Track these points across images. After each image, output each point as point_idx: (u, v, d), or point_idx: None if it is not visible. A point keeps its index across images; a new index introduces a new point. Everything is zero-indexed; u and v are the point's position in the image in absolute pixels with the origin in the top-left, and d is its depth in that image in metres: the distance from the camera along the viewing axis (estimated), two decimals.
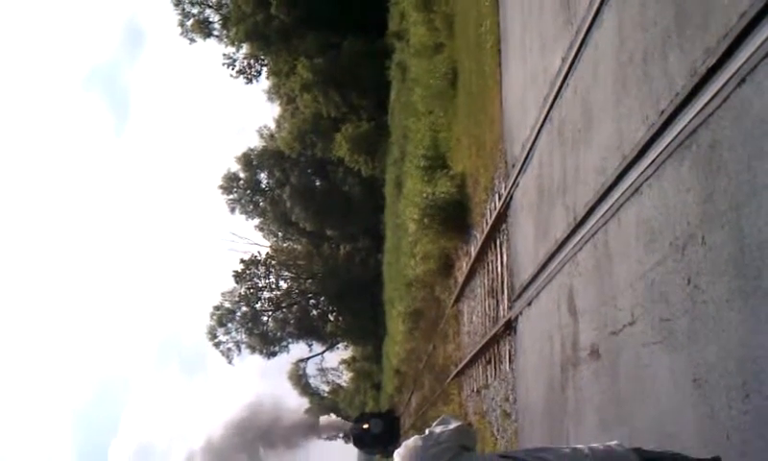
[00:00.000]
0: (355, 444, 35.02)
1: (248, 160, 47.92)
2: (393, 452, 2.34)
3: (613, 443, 2.39)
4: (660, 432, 3.87)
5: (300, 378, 51.23)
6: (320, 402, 50.92)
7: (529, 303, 7.36)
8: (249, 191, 48.75)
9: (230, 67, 43.37)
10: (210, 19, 42.18)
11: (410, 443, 2.30)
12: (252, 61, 43.44)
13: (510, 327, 8.39)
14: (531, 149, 7.16)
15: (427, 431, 2.34)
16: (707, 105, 3.43)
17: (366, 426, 31.40)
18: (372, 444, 33.22)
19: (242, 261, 46.56)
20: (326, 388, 52.51)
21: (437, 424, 2.38)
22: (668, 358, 3.80)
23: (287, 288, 48.22)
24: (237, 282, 46.66)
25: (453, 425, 2.35)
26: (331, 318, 48.74)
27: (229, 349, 47.17)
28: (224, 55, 43.01)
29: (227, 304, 47.08)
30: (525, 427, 7.53)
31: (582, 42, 5.41)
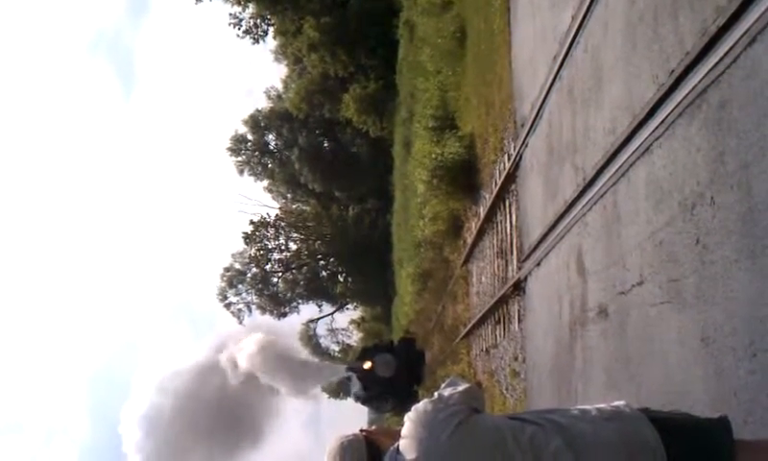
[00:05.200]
0: (356, 398, 22.84)
1: (255, 122, 47.78)
2: (409, 408, 2.36)
3: (621, 403, 2.41)
4: (668, 391, 3.91)
5: (310, 339, 51.63)
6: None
7: (538, 264, 7.39)
8: (257, 153, 48.65)
9: (236, 27, 42.93)
10: None
11: (420, 407, 2.32)
12: (258, 21, 42.92)
13: (519, 287, 8.43)
14: (541, 108, 7.13)
15: (436, 394, 2.36)
16: (717, 64, 3.40)
17: (368, 367, 20.76)
18: (378, 395, 21.33)
19: (251, 223, 46.66)
20: (336, 348, 52.93)
21: (445, 387, 2.41)
22: (676, 318, 3.83)
23: (297, 249, 48.34)
24: (247, 244, 46.80)
25: (462, 387, 2.37)
26: (341, 279, 48.92)
27: (240, 310, 47.55)
28: (230, 14, 42.55)
29: (237, 266, 47.35)
30: (534, 386, 7.60)
31: (591, 0, 5.35)
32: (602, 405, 2.39)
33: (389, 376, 19.99)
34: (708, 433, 2.29)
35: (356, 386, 21.38)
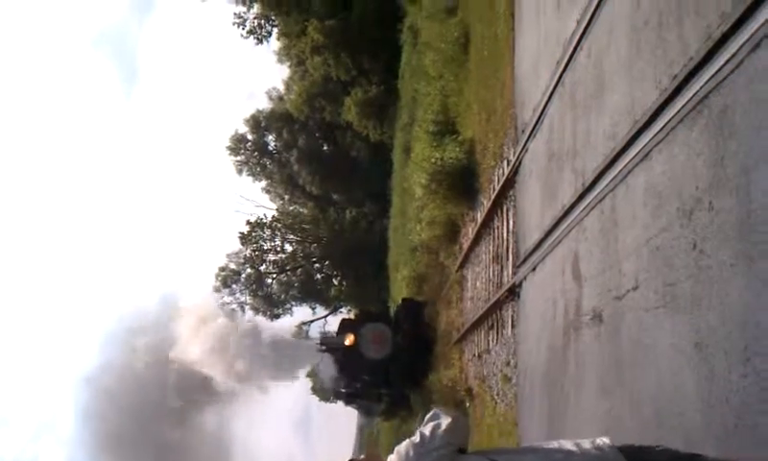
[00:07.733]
0: (327, 393, 15.31)
1: (256, 122, 47.81)
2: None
3: (604, 441, 2.41)
4: (661, 396, 3.91)
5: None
6: None
7: (533, 269, 7.38)
8: (256, 153, 48.65)
9: (241, 27, 43.02)
10: None
11: (402, 450, 2.28)
12: (262, 22, 43.04)
13: (513, 292, 8.43)
14: (542, 114, 7.13)
15: (418, 433, 2.32)
16: (720, 69, 3.41)
17: (349, 342, 14.29)
18: (363, 389, 14.41)
19: (248, 223, 46.62)
20: None
21: (428, 421, 2.38)
22: (671, 322, 3.83)
23: (292, 251, 48.25)
24: (243, 244, 46.71)
25: (444, 423, 2.33)
26: (335, 282, 48.86)
27: (233, 310, 47.38)
28: (234, 14, 42.66)
29: (232, 266, 47.22)
30: (525, 391, 7.59)
31: (597, 5, 5.36)
32: (585, 443, 2.38)
33: (381, 357, 13.83)
34: None
35: (329, 373, 14.84)
